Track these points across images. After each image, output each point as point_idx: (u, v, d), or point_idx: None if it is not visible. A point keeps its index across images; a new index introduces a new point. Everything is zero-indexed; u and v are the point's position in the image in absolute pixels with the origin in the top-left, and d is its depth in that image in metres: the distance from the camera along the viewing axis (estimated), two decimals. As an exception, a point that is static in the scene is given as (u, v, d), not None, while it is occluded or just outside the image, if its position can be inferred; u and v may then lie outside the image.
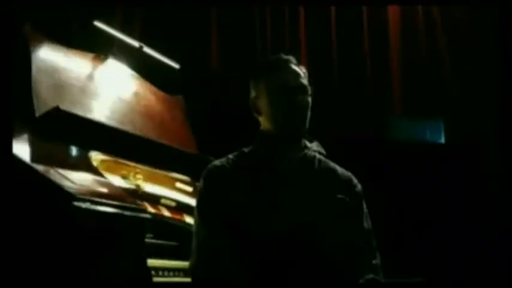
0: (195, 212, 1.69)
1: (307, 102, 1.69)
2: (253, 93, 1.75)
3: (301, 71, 1.74)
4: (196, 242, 1.63)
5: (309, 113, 1.69)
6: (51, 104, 2.19)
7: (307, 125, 1.70)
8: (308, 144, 1.76)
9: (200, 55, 3.92)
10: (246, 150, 1.75)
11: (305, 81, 1.72)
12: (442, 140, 3.85)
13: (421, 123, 3.86)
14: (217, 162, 1.73)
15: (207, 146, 2.93)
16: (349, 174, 1.76)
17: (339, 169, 1.76)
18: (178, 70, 3.23)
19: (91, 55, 2.73)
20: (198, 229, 1.64)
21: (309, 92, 1.71)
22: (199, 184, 1.72)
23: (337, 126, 3.80)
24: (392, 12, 4.26)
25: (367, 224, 1.71)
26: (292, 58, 1.75)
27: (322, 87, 3.85)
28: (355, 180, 1.75)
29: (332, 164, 1.76)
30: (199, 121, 3.21)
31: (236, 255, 1.55)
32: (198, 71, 3.80)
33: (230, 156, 1.75)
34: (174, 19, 3.84)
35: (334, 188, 1.68)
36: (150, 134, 2.65)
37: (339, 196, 1.66)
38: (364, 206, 1.74)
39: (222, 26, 4.04)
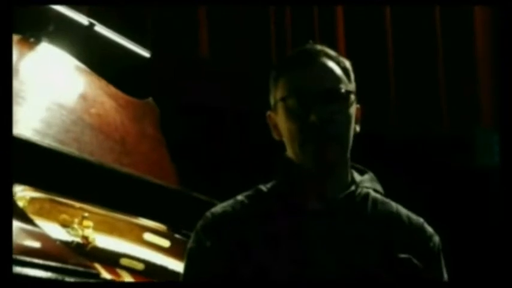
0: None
1: (343, 115, 1.69)
2: (272, 103, 1.78)
3: (337, 66, 1.73)
4: None
5: (346, 133, 1.69)
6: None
7: (346, 152, 1.71)
8: (357, 177, 1.77)
9: (182, 39, 3.96)
10: (264, 188, 1.78)
11: (339, 83, 1.70)
12: None
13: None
14: (218, 208, 1.76)
15: (193, 177, 2.94)
16: (420, 221, 1.78)
17: (405, 213, 1.77)
18: (149, 60, 3.28)
19: (15, 38, 2.73)
20: None
21: (347, 99, 1.70)
22: (189, 241, 1.74)
23: (403, 147, 3.86)
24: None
25: None
26: (325, 49, 1.75)
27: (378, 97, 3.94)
28: (429, 230, 1.76)
29: (394, 206, 1.78)
30: (181, 138, 3.23)
31: None
32: (179, 63, 3.84)
33: (239, 197, 1.77)
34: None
35: (395, 242, 1.70)
36: (106, 157, 2.68)
37: (403, 256, 1.67)
38: (444, 269, 1.75)
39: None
